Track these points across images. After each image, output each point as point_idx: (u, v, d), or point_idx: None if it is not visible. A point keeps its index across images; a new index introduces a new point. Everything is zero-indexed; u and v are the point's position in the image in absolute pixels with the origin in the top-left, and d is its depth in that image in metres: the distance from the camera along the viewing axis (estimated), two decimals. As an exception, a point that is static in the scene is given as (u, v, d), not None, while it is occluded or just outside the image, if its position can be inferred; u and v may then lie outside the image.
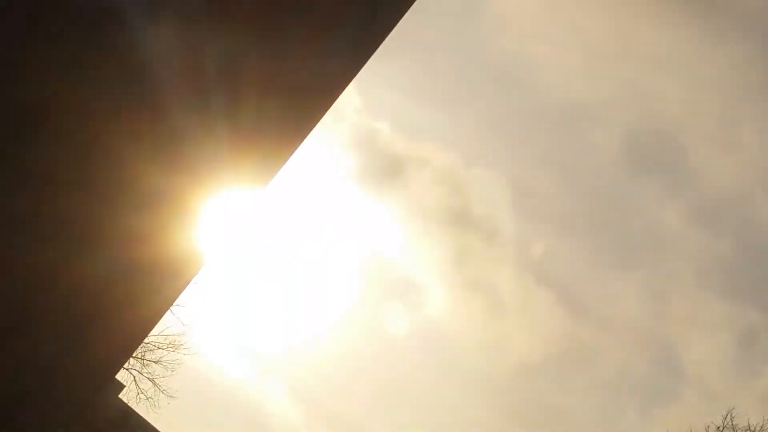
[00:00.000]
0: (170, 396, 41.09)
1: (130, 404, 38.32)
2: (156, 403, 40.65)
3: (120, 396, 39.63)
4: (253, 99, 12.95)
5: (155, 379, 41.27)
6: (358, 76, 15.67)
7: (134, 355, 38.86)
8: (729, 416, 38.50)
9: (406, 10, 14.73)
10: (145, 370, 41.49)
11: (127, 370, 40.41)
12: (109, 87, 11.44)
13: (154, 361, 41.51)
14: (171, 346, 41.58)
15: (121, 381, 38.51)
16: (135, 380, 41.16)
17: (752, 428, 38.42)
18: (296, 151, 15.21)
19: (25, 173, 11.14)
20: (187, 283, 15.29)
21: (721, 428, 38.25)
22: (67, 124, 11.35)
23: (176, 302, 33.30)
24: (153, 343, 41.02)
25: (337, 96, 16.09)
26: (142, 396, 40.93)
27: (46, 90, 11.01)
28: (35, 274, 11.76)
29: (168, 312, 25.25)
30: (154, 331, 35.48)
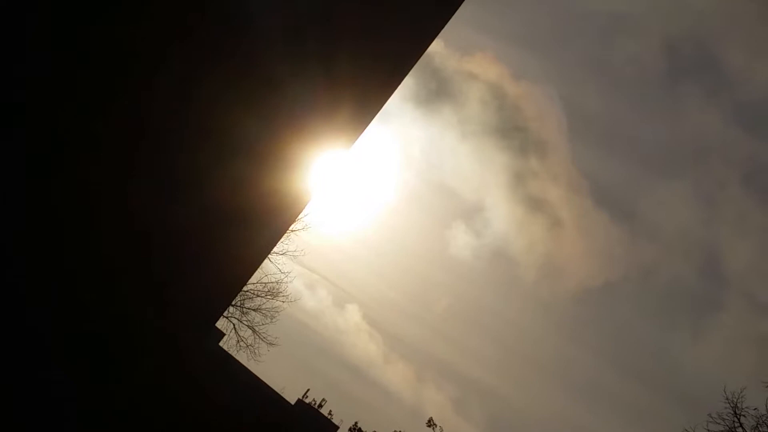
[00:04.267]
0: (270, 343, 40.04)
1: (230, 352, 38.75)
2: (256, 351, 40.02)
3: (220, 344, 40.08)
4: (347, 46, 12.87)
5: (255, 327, 40.45)
6: None
7: (233, 303, 38.91)
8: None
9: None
10: (244, 318, 40.82)
11: (227, 318, 40.40)
12: (204, 35, 11.60)
13: (254, 309, 40.76)
14: (270, 294, 40.70)
15: (221, 329, 39.08)
16: (235, 328, 40.85)
17: None
18: (389, 100, 15.12)
19: (124, 121, 11.49)
20: (284, 231, 15.48)
21: None
22: (162, 73, 11.58)
23: (273, 250, 33.72)
24: (252, 291, 40.63)
25: (429, 42, 15.82)
26: (242, 344, 40.34)
27: (143, 38, 11.26)
28: (136, 219, 12.15)
29: (266, 260, 25.66)
30: (253, 279, 35.94)
